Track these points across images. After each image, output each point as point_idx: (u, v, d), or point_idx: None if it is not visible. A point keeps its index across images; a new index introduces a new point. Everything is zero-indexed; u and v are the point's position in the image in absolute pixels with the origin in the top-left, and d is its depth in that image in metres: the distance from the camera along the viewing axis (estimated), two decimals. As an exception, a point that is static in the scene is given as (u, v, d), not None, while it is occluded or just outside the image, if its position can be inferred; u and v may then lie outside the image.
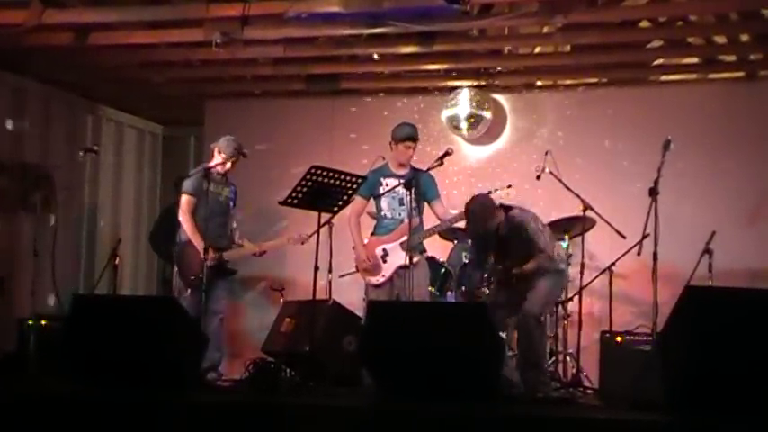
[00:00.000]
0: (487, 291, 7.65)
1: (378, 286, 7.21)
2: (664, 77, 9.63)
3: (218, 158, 7.65)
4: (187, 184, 7.64)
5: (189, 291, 7.48)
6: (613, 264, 7.98)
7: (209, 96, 10.54)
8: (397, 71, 9.78)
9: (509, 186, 7.20)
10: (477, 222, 6.94)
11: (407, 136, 7.25)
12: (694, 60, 9.29)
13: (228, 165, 7.62)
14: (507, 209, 7.01)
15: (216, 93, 10.54)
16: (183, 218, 7.59)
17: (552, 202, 8.71)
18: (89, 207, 10.44)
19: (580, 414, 5.63)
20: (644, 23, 8.45)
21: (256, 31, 8.03)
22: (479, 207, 6.91)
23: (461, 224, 7.82)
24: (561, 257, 7.35)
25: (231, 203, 7.71)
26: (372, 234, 7.36)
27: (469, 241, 7.79)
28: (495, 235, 6.94)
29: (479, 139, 9.74)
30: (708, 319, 4.96)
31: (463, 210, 7.07)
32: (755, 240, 8.75)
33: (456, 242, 8.59)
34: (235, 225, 7.82)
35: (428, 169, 7.20)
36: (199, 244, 7.41)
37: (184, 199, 7.60)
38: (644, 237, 6.42)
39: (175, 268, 7.65)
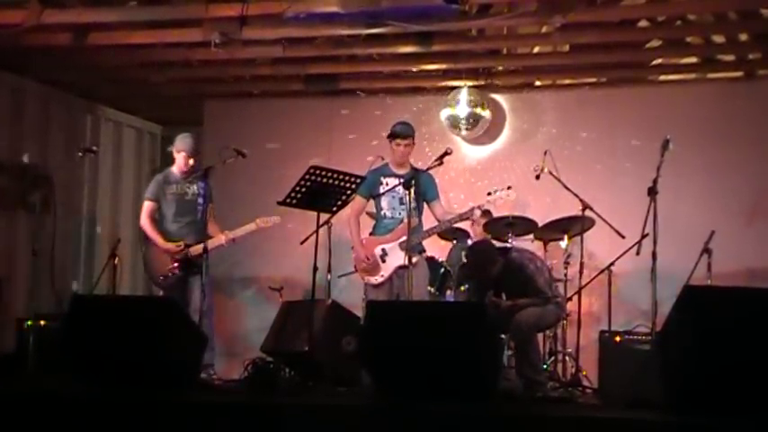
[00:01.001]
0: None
1: (377, 286, 7.21)
2: (662, 77, 9.65)
3: (179, 158, 7.74)
4: (147, 190, 7.84)
5: (162, 292, 7.55)
6: (612, 263, 7.98)
7: (207, 96, 10.54)
8: (395, 71, 9.79)
9: (509, 188, 7.19)
10: (477, 271, 7.27)
11: (396, 133, 7.26)
12: (693, 60, 9.30)
13: (191, 161, 7.68)
14: (506, 251, 7.18)
15: (215, 93, 10.55)
16: (143, 222, 7.76)
17: (551, 202, 8.72)
18: (88, 207, 10.44)
19: (579, 413, 5.62)
20: (643, 23, 8.46)
21: (255, 31, 8.04)
22: (480, 257, 7.20)
23: (461, 224, 7.86)
24: (560, 293, 7.47)
25: (200, 199, 7.69)
26: (371, 234, 7.35)
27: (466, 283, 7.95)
28: (495, 278, 7.13)
29: (478, 139, 9.74)
30: (707, 319, 4.96)
31: (463, 211, 7.11)
32: (754, 240, 8.77)
33: (456, 242, 8.59)
34: (209, 219, 7.75)
35: (427, 169, 7.18)
36: (158, 241, 7.56)
37: (144, 204, 7.79)
38: (643, 236, 6.42)
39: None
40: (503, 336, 7.20)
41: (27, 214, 8.95)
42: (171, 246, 7.57)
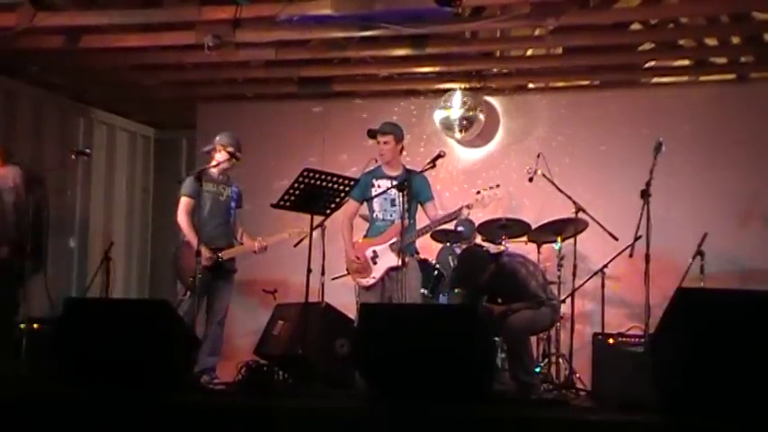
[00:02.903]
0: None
1: (368, 288, 7.18)
2: (655, 80, 9.66)
3: (221, 155, 7.61)
4: (184, 186, 7.63)
5: (188, 293, 7.46)
6: (606, 266, 8.00)
7: (201, 99, 10.54)
8: (389, 74, 9.79)
9: (497, 186, 7.19)
10: (467, 278, 7.22)
11: (373, 131, 7.27)
12: (686, 62, 9.33)
13: (238, 154, 7.59)
14: (497, 256, 7.15)
15: (208, 95, 10.55)
16: (180, 219, 7.57)
17: (544, 205, 8.73)
18: (81, 210, 10.43)
19: (572, 415, 5.62)
20: (635, 26, 8.48)
21: (248, 33, 8.04)
22: (470, 264, 7.19)
23: (452, 225, 7.86)
24: (554, 295, 7.46)
25: (233, 203, 7.67)
26: (365, 237, 7.34)
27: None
28: (487, 284, 7.12)
29: (472, 142, 9.75)
30: (700, 321, 4.97)
31: (452, 210, 7.10)
32: (747, 242, 8.79)
33: (448, 244, 8.59)
34: (239, 225, 7.78)
35: (421, 171, 7.18)
36: (195, 245, 7.42)
37: (182, 201, 7.59)
38: (636, 238, 6.43)
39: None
40: (496, 338, 7.20)
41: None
42: (208, 254, 7.36)
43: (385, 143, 7.23)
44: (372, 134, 7.27)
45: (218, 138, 7.73)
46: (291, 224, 7.77)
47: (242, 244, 7.72)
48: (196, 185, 7.45)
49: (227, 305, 7.72)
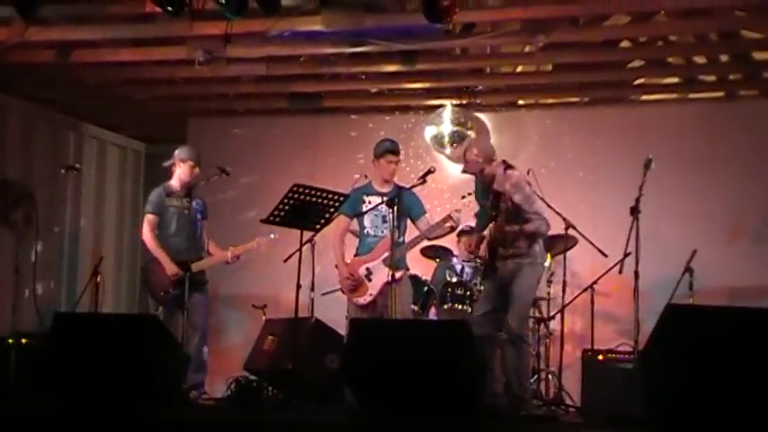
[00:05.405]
0: (469, 309, 7.77)
1: (365, 306, 7.13)
2: (644, 97, 9.71)
3: (183, 169, 7.60)
4: (149, 203, 7.64)
5: (161, 308, 7.45)
6: (595, 282, 8.02)
7: (191, 114, 10.54)
8: (379, 89, 9.81)
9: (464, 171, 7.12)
10: (473, 164, 6.91)
11: (387, 150, 7.25)
12: (675, 80, 9.37)
13: (197, 170, 7.57)
14: (508, 166, 6.93)
15: (199, 110, 10.55)
16: (145, 236, 7.55)
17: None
18: (71, 224, 10.40)
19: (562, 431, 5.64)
20: (625, 43, 8.53)
21: (239, 49, 8.06)
22: (477, 149, 6.94)
23: (444, 242, 7.85)
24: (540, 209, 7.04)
25: (198, 215, 7.63)
26: (355, 255, 7.31)
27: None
28: (492, 188, 6.82)
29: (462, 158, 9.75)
30: (689, 337, 4.98)
31: (440, 219, 7.07)
32: (736, 259, 8.81)
33: (439, 261, 8.60)
34: (206, 237, 7.71)
35: (411, 187, 7.18)
36: (163, 260, 7.41)
37: (146, 218, 7.59)
38: (625, 255, 6.45)
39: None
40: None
41: (9, 231, 8.90)
42: (175, 269, 7.35)
43: (397, 162, 7.29)
44: (388, 152, 7.24)
45: (177, 152, 7.72)
46: (279, 238, 7.74)
47: (211, 255, 7.69)
48: (160, 201, 7.50)
49: (206, 319, 7.65)
